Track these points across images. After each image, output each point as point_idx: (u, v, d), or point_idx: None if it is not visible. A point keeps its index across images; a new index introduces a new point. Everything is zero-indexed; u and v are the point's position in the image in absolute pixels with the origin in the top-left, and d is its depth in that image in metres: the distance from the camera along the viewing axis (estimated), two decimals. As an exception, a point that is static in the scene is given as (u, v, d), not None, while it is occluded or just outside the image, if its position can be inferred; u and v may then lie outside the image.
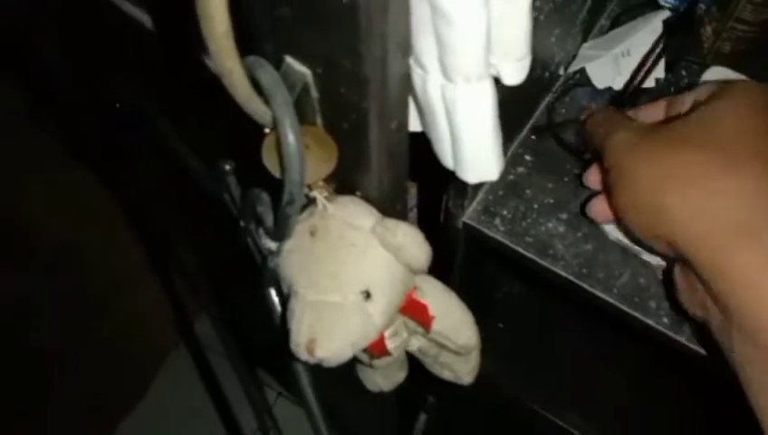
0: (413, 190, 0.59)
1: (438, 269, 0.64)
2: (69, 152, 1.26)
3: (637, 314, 0.51)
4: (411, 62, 0.33)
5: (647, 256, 0.52)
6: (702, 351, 0.49)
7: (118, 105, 0.62)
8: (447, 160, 0.37)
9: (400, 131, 0.37)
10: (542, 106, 0.61)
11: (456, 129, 0.34)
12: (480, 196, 0.57)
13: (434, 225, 0.60)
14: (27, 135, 1.35)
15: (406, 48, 0.32)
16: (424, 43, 0.31)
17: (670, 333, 0.50)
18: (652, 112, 0.48)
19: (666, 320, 0.50)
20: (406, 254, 0.39)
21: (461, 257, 0.61)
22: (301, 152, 0.34)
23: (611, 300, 0.52)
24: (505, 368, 0.72)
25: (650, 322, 0.50)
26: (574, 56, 0.61)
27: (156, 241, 1.17)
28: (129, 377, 1.47)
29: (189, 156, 0.50)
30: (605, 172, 0.43)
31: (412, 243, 0.39)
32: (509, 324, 0.71)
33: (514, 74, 0.34)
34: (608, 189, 0.43)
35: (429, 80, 0.32)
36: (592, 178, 0.50)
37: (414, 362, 0.56)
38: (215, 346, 1.17)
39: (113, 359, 1.42)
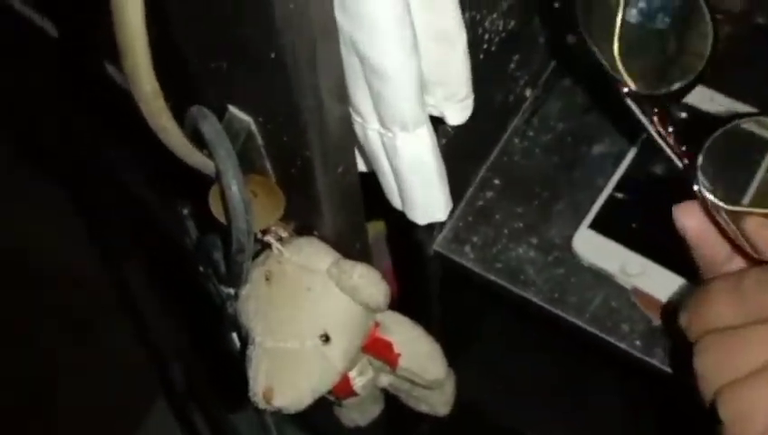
0: (380, 226, 0.58)
1: (416, 299, 0.64)
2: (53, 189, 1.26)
3: (609, 338, 0.50)
4: (351, 109, 0.33)
5: (619, 280, 0.52)
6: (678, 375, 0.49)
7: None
8: (396, 202, 0.37)
9: (348, 174, 0.36)
10: (510, 129, 0.60)
11: (400, 173, 0.33)
12: (450, 223, 0.56)
13: (409, 256, 0.60)
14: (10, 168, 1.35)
15: (343, 95, 0.32)
16: (359, 94, 0.31)
17: (643, 356, 0.50)
18: None
19: (638, 343, 0.50)
20: (362, 294, 0.39)
21: (436, 286, 0.61)
22: (246, 202, 0.34)
23: (583, 325, 0.51)
24: (494, 394, 0.72)
25: (623, 345, 0.50)
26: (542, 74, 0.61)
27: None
28: (127, 402, 1.45)
29: (154, 201, 0.50)
30: None
31: (368, 283, 0.39)
32: (493, 350, 0.71)
33: (457, 115, 0.34)
34: None
35: (368, 127, 0.32)
36: None
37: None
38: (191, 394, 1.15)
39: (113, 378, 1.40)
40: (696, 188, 0.35)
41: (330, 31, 0.28)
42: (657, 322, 0.50)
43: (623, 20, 0.37)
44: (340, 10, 0.27)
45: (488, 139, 0.59)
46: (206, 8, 0.29)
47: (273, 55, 0.28)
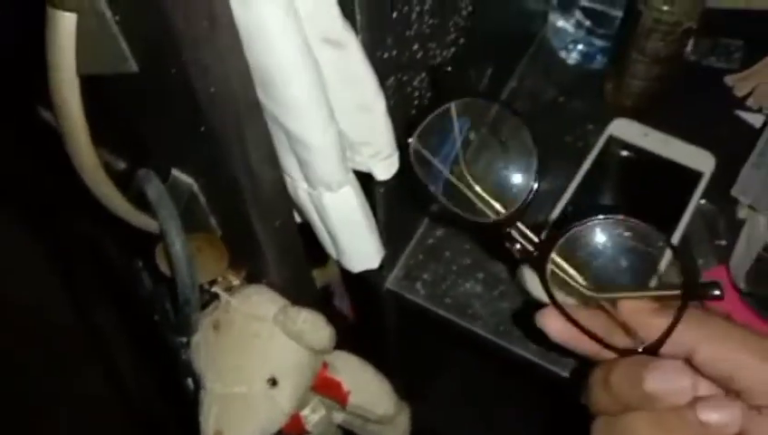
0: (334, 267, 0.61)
1: (374, 334, 0.66)
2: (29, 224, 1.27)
3: (554, 368, 0.53)
4: (282, 171, 0.35)
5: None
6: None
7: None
8: (332, 252, 0.39)
9: (286, 227, 0.39)
10: (457, 169, 0.63)
11: (330, 228, 0.36)
12: (401, 261, 0.59)
13: (364, 294, 0.62)
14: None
15: (274, 161, 0.35)
16: (287, 159, 0.33)
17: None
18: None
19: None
20: (307, 338, 0.41)
21: (391, 322, 0.63)
22: (188, 258, 0.36)
23: (529, 356, 0.54)
24: (452, 427, 0.74)
25: (566, 374, 0.53)
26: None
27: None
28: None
29: (115, 254, 0.52)
30: None
31: (312, 328, 0.41)
32: (448, 382, 0.73)
33: (384, 171, 0.37)
34: None
35: (298, 187, 0.35)
36: None
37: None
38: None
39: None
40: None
41: (253, 108, 0.31)
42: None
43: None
44: (262, 94, 0.30)
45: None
46: (144, 85, 0.32)
47: (202, 129, 0.30)
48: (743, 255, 0.53)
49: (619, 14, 0.65)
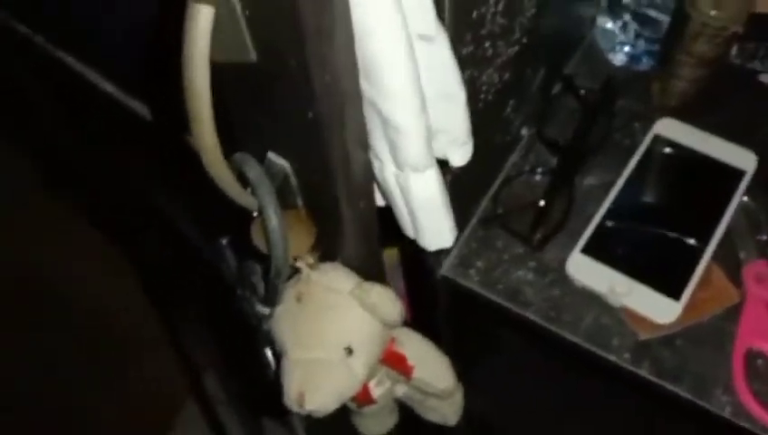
0: (394, 252, 0.65)
1: (428, 320, 0.69)
2: (84, 220, 1.33)
3: (600, 352, 0.56)
4: (371, 155, 0.39)
5: (610, 299, 0.57)
6: (663, 383, 0.54)
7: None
8: (409, 231, 0.43)
9: (368, 209, 0.43)
10: (509, 164, 0.67)
11: (412, 207, 0.40)
12: (455, 251, 0.62)
13: (420, 280, 0.66)
14: (42, 204, 1.41)
15: (365, 145, 0.38)
16: (379, 144, 0.37)
17: (632, 368, 0.55)
18: None
19: (627, 356, 0.55)
20: (380, 311, 0.45)
21: (445, 308, 0.67)
22: (283, 233, 0.40)
23: (578, 340, 0.57)
24: (502, 411, 0.77)
25: (613, 358, 0.56)
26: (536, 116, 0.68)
27: (163, 303, 1.23)
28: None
29: (194, 234, 0.56)
30: None
31: (386, 301, 0.45)
32: (498, 368, 0.76)
33: (459, 157, 0.40)
34: None
35: (386, 169, 0.39)
36: None
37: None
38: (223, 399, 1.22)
39: (132, 416, 1.46)
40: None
41: (356, 96, 0.34)
42: (643, 336, 0.56)
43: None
44: (364, 80, 0.33)
45: (490, 174, 0.65)
46: (258, 75, 0.36)
47: (310, 115, 0.34)
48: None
49: (665, 18, 0.68)
